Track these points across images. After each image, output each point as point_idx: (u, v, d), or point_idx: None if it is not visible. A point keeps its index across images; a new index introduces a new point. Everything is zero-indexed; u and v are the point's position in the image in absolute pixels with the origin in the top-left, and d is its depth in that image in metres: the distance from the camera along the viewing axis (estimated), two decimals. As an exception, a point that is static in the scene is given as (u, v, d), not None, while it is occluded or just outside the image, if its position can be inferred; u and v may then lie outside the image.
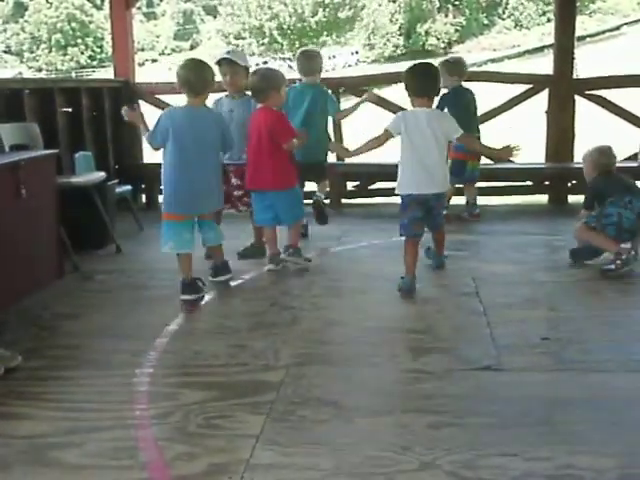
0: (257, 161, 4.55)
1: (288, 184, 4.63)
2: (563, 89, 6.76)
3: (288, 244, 4.73)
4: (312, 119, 5.16)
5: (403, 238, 4.31)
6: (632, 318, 3.78)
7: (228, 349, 3.38)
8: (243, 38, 46.56)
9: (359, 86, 7.61)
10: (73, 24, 59.71)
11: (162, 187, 4.31)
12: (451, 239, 5.40)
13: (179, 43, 64.65)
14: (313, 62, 5.32)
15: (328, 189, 5.95)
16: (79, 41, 59.54)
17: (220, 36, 49.20)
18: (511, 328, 3.59)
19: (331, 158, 6.06)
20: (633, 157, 6.70)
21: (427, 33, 51.75)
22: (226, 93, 4.92)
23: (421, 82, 4.25)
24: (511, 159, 4.42)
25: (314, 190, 5.64)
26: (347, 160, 7.06)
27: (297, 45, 44.16)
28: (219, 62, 4.80)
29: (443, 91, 5.30)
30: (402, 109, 7.15)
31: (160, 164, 4.23)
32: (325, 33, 45.88)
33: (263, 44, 45.94)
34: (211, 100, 4.52)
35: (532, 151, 7.26)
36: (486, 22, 55.30)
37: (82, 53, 59.41)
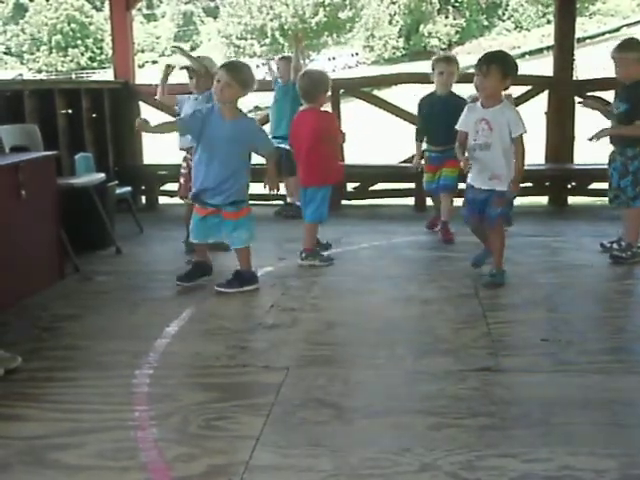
0: (323, 157, 4.74)
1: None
2: (563, 90, 6.76)
3: (304, 247, 4.87)
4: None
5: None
6: (631, 319, 3.79)
7: (228, 350, 3.38)
8: (245, 39, 46.47)
9: (359, 87, 7.62)
10: (73, 25, 59.64)
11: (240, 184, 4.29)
12: (451, 240, 5.42)
13: (179, 44, 64.70)
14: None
15: None
16: (79, 42, 59.49)
17: (221, 37, 49.10)
18: (510, 329, 3.60)
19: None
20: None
21: (427, 34, 51.77)
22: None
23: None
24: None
25: None
26: (347, 161, 7.08)
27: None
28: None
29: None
30: (402, 110, 7.18)
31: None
32: (326, 34, 45.84)
33: (265, 45, 45.88)
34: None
35: (532, 152, 7.28)
36: (486, 24, 55.31)
37: (82, 54, 59.35)
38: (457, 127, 4.40)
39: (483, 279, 4.33)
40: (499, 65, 4.04)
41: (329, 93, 4.92)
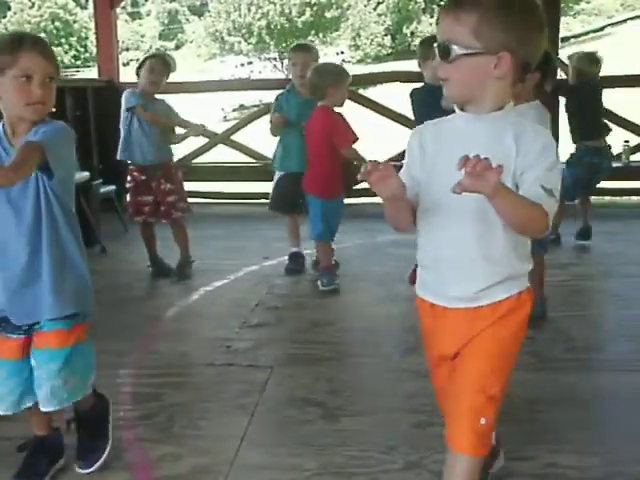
0: (313, 165, 4.31)
1: (333, 194, 4.39)
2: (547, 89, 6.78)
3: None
4: None
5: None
6: (616, 318, 3.80)
7: (212, 349, 3.37)
8: (231, 35, 46.31)
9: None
10: (57, 23, 59.32)
11: None
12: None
13: (164, 43, 64.39)
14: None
15: None
16: (63, 41, 59.14)
17: (207, 35, 48.96)
18: (495, 327, 3.60)
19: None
20: (617, 157, 6.73)
21: (412, 34, 51.86)
22: None
23: None
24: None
25: None
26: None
27: (284, 45, 44.11)
28: None
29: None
30: (387, 109, 7.18)
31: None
32: (312, 32, 45.80)
33: (250, 43, 45.78)
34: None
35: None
36: (471, 23, 55.52)
37: (66, 53, 58.98)
38: None
39: None
40: None
41: (344, 89, 4.26)
